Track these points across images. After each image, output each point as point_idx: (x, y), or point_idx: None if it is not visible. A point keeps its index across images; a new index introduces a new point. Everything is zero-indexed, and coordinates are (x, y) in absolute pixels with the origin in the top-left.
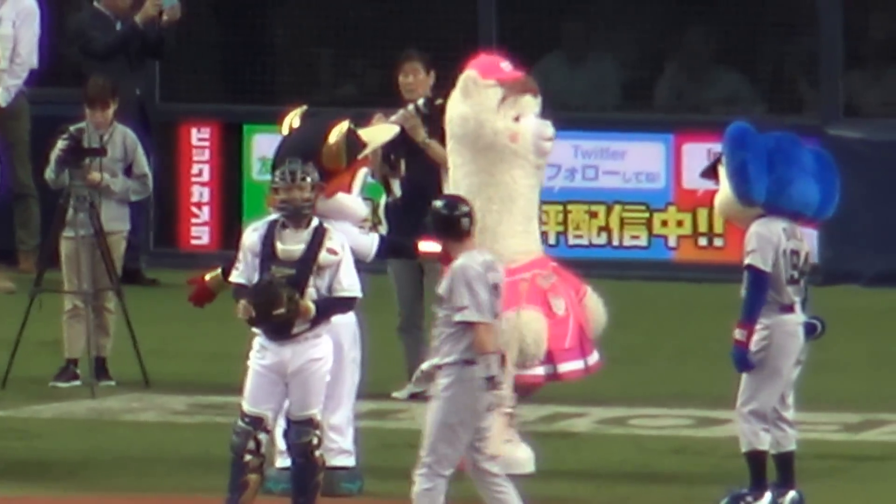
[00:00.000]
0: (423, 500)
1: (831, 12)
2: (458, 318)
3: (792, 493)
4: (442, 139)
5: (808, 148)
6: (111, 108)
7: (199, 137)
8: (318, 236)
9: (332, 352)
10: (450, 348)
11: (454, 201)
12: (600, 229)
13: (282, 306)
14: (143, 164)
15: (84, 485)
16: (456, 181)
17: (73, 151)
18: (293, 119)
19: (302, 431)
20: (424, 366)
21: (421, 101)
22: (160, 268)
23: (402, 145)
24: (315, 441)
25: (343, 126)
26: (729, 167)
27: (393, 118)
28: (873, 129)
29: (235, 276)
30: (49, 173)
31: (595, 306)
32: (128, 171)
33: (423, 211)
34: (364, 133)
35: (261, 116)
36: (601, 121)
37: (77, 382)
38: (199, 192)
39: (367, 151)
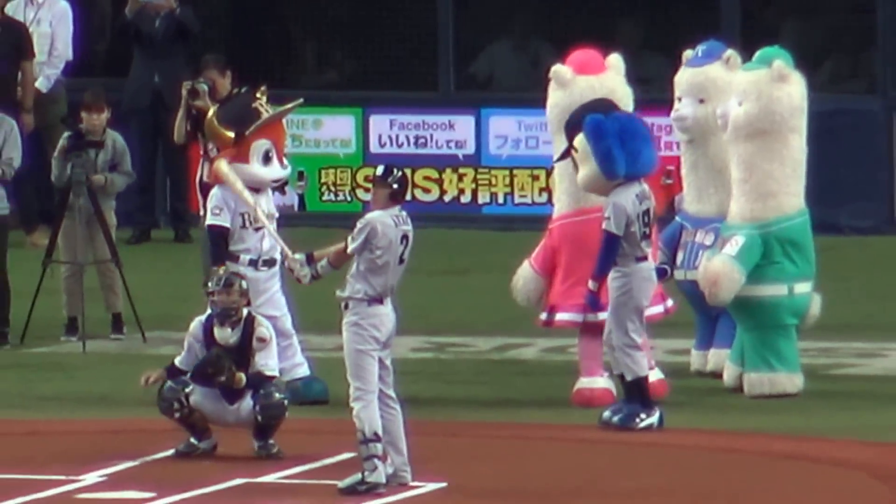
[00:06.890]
0: (362, 416)
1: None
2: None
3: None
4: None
5: (635, 117)
6: (104, 114)
7: None
8: (248, 327)
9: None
10: (356, 285)
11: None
12: (541, 190)
13: (223, 375)
14: (128, 165)
15: (114, 410)
16: None
17: (76, 139)
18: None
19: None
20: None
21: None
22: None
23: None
24: None
25: (209, 112)
26: (597, 154)
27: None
28: None
29: (178, 361)
30: (54, 171)
31: None
32: (112, 168)
33: None
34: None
35: None
36: (539, 99)
37: (74, 338)
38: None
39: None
